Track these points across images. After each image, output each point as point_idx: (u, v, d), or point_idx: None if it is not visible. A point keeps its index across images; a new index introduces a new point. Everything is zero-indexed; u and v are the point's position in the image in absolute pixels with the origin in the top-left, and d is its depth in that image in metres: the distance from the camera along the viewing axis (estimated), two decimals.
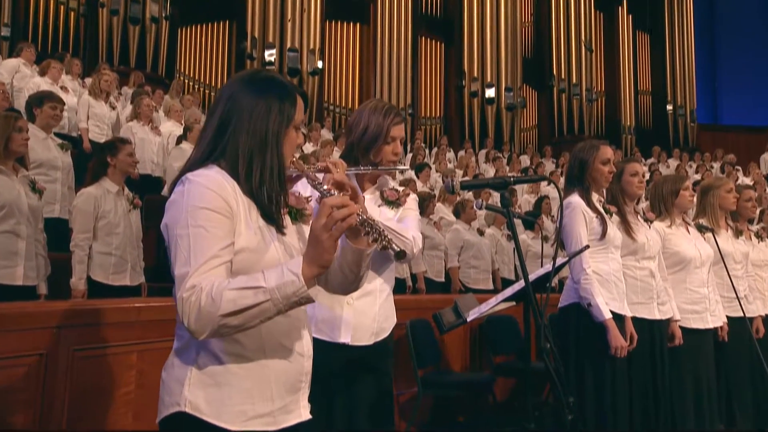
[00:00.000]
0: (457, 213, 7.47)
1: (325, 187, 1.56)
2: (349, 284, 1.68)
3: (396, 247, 1.43)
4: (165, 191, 6.85)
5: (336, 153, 9.68)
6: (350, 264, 1.62)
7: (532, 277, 2.28)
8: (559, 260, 2.37)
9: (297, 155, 1.70)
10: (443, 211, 8.01)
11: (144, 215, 5.90)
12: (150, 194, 6.82)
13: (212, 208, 1.47)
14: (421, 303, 5.15)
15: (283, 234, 1.62)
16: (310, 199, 1.77)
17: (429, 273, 7.05)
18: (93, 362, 2.80)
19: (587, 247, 2.99)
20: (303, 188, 2.03)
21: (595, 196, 3.42)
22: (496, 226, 7.99)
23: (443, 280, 7.18)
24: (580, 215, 3.29)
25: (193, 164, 1.59)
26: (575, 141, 16.82)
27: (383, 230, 1.45)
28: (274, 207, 1.59)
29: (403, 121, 2.53)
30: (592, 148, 3.43)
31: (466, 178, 9.92)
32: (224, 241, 1.47)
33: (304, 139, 9.98)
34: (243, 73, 1.68)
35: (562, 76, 18.31)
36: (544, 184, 10.23)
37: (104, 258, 4.20)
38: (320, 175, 1.78)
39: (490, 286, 7.36)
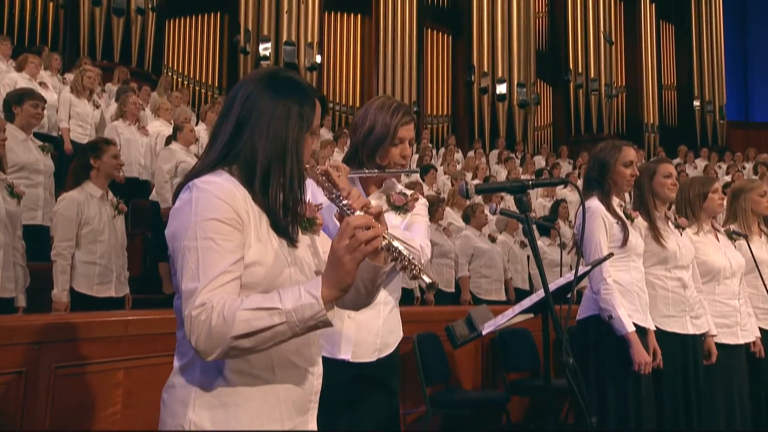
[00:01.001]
0: (466, 218, 7.47)
1: (345, 202, 1.56)
2: (362, 300, 1.69)
3: (427, 279, 1.42)
4: (153, 195, 6.86)
5: (337, 154, 9.69)
6: (366, 281, 1.62)
7: (552, 286, 2.28)
8: (581, 269, 2.37)
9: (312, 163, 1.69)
10: (451, 216, 8.01)
11: (129, 221, 5.92)
12: (136, 199, 6.85)
13: (222, 219, 1.48)
14: (430, 315, 5.15)
15: (295, 247, 1.62)
16: (320, 207, 1.77)
17: (438, 283, 7.02)
18: (76, 380, 2.79)
19: (611, 255, 2.98)
20: (310, 194, 2.03)
21: (615, 201, 3.42)
22: (508, 232, 7.98)
23: (453, 290, 7.18)
24: (600, 221, 3.28)
25: (202, 169, 1.59)
26: (593, 140, 16.92)
27: (412, 258, 1.44)
28: (289, 219, 1.60)
29: (412, 121, 2.52)
30: (614, 149, 3.42)
31: (479, 182, 9.93)
32: (235, 255, 1.48)
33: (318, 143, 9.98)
34: (260, 72, 1.68)
35: (580, 71, 18.33)
36: (560, 186, 10.21)
37: (88, 268, 4.19)
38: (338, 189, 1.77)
39: (503, 297, 7.35)
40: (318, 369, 1.66)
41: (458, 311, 5.83)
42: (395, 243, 1.46)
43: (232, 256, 1.47)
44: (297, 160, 1.59)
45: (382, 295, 2.45)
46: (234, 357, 1.46)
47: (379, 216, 1.58)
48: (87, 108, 7.44)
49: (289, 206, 1.59)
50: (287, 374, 1.57)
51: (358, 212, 1.55)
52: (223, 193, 1.50)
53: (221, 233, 1.47)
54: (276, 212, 1.57)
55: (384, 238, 1.44)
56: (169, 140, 7.04)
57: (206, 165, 1.59)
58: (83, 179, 4.28)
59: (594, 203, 3.34)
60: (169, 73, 13.24)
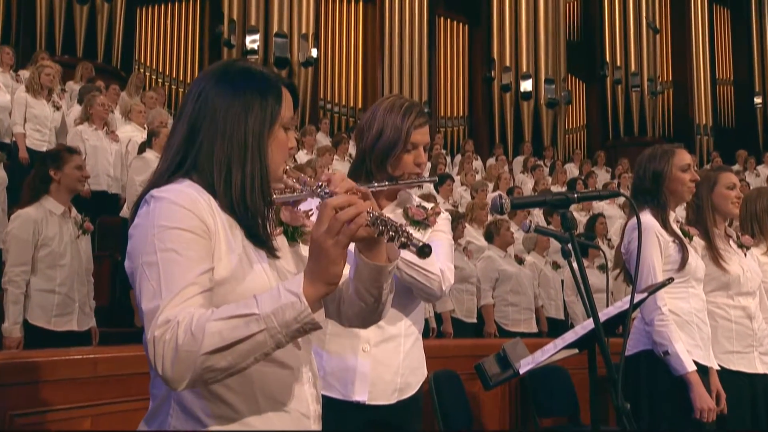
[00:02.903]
0: (489, 236, 7.44)
1: (328, 189, 1.55)
2: (369, 313, 1.68)
3: (417, 242, 1.41)
4: (124, 212, 6.84)
5: (336, 162, 9.70)
6: (367, 285, 1.60)
7: (602, 317, 2.23)
8: (637, 296, 2.33)
9: (291, 164, 1.70)
10: (471, 233, 7.99)
11: (96, 242, 5.90)
12: (104, 216, 6.83)
13: (184, 228, 1.49)
14: (448, 350, 5.14)
15: (276, 258, 1.63)
16: (310, 213, 1.78)
17: (457, 312, 7.01)
18: (36, 430, 2.77)
19: (671, 280, 2.94)
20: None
21: (672, 215, 3.38)
22: (537, 252, 7.95)
23: (475, 320, 7.15)
24: (654, 239, 3.25)
25: (158, 179, 1.61)
26: (635, 144, 16.93)
27: (400, 225, 1.44)
28: (260, 225, 1.60)
29: (427, 123, 2.51)
30: (666, 153, 3.40)
31: (502, 194, 9.91)
32: (202, 266, 1.48)
33: (297, 144, 9.98)
34: (215, 65, 1.71)
35: (618, 63, 18.37)
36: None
37: (46, 297, 4.18)
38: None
39: (533, 328, 7.32)
40: (315, 411, 1.65)
41: (481, 345, 5.79)
42: (380, 214, 1.45)
43: (198, 266, 1.48)
44: (260, 158, 1.61)
45: (403, 326, 2.45)
46: (211, 381, 1.43)
47: (365, 197, 1.58)
48: (45, 110, 7.46)
49: (257, 211, 1.60)
50: (276, 418, 1.56)
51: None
52: (183, 199, 1.52)
53: (184, 242, 1.48)
54: (247, 219, 1.58)
55: (369, 213, 1.43)
56: (142, 147, 7.04)
57: (163, 174, 1.62)
58: (41, 194, 4.27)
59: (645, 218, 3.30)
60: (142, 70, 13.32)
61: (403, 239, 1.42)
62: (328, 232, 1.41)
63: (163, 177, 1.60)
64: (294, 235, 1.74)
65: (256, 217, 1.59)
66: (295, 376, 1.60)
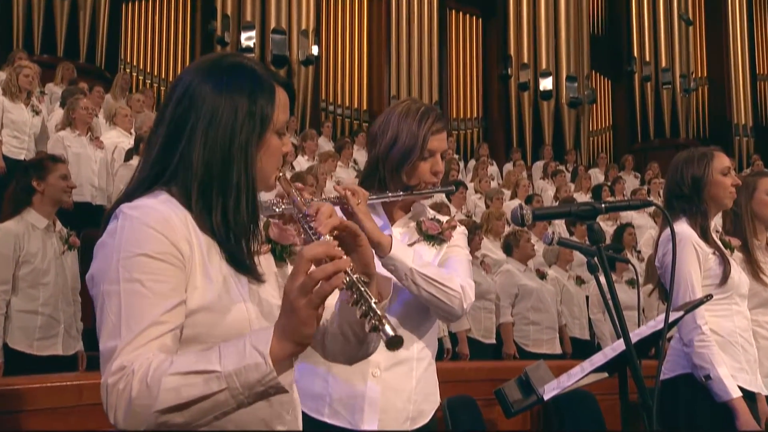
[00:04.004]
0: (508, 248, 7.43)
1: (313, 224, 1.53)
2: (352, 351, 1.68)
3: (390, 331, 1.37)
4: None
5: (340, 169, 9.71)
6: (353, 324, 1.60)
7: (634, 338, 2.23)
8: (671, 315, 2.33)
9: (288, 172, 1.68)
10: (487, 246, 7.97)
11: (80, 258, 5.90)
12: (88, 229, 6.83)
13: (153, 254, 1.46)
14: (464, 373, 5.14)
15: (260, 283, 1.61)
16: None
17: (474, 331, 6.99)
18: None
19: (710, 297, 2.94)
20: None
21: (712, 224, 3.38)
22: (559, 266, 7.93)
23: (494, 341, 7.13)
24: (692, 251, 3.25)
25: (134, 190, 1.58)
26: (666, 147, 16.91)
27: (375, 303, 1.40)
28: (243, 248, 1.58)
29: (445, 129, 2.53)
30: (704, 156, 3.40)
31: (520, 202, 9.90)
32: (170, 301, 1.46)
33: (295, 151, 10.01)
34: (202, 59, 1.68)
35: (647, 59, 18.37)
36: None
37: (27, 318, 4.18)
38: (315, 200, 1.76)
39: (557, 350, 7.29)
40: None
41: (500, 368, 5.77)
42: (358, 279, 1.42)
43: (165, 301, 1.45)
44: (246, 169, 1.57)
45: (416, 349, 2.45)
46: None
47: (356, 238, 1.55)
48: (24, 114, 7.48)
49: (242, 231, 1.57)
50: None
51: (324, 237, 1.50)
52: (155, 219, 1.48)
53: (151, 272, 1.45)
54: (227, 241, 1.56)
55: (346, 274, 1.40)
56: (129, 154, 7.07)
57: (139, 184, 1.59)
58: (23, 206, 4.29)
59: (681, 228, 3.29)
60: (128, 70, 13.36)
61: (374, 322, 1.38)
62: (301, 290, 1.37)
63: (139, 188, 1.58)
64: (282, 254, 1.73)
65: (239, 240, 1.57)
66: (277, 409, 1.59)
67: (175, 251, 1.48)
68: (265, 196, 1.78)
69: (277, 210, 1.70)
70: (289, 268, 1.72)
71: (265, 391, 1.40)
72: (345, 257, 1.43)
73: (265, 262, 1.68)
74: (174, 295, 1.46)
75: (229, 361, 1.38)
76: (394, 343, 1.37)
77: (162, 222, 1.48)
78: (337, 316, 1.62)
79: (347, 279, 1.40)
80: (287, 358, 1.41)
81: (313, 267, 1.39)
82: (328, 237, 1.50)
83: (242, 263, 1.57)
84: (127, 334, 1.40)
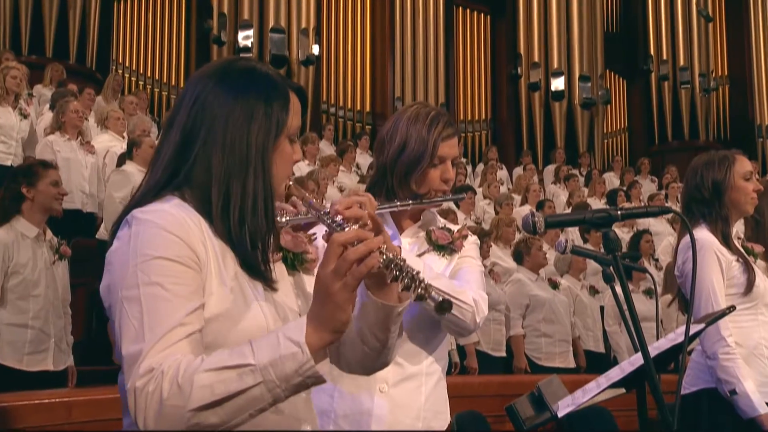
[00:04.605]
0: (518, 257, 7.42)
1: (339, 218, 1.56)
2: (372, 359, 1.68)
3: (437, 296, 1.41)
4: (101, 233, 6.85)
5: (342, 174, 9.71)
6: (374, 327, 1.61)
7: (653, 351, 2.23)
8: (694, 326, 2.32)
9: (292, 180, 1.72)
10: (497, 254, 7.97)
11: (70, 268, 5.91)
12: (79, 238, 6.84)
13: (172, 257, 1.48)
14: (473, 388, 5.15)
15: (274, 290, 1.63)
16: (314, 237, 1.79)
17: (483, 344, 6.99)
18: None
19: (733, 308, 2.93)
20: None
21: (733, 230, 3.38)
22: (572, 275, 7.92)
23: (504, 354, 7.13)
24: (713, 258, 3.25)
25: (144, 195, 1.61)
26: (685, 150, 16.87)
27: (417, 273, 1.44)
28: (260, 254, 1.60)
29: (456, 134, 2.54)
30: (725, 159, 3.40)
31: (532, 208, 9.90)
32: (191, 303, 1.48)
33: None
34: (213, 64, 1.72)
35: (664, 57, 18.33)
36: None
37: (17, 332, 4.19)
38: (328, 205, 1.79)
39: (570, 363, 7.29)
40: None
41: (511, 382, 5.76)
42: (395, 256, 1.45)
43: (187, 303, 1.47)
44: (264, 174, 1.61)
45: (425, 364, 2.45)
46: None
47: (378, 229, 1.59)
48: (11, 118, 7.49)
49: (257, 237, 1.59)
50: None
51: (351, 227, 1.53)
52: (171, 222, 1.51)
53: (171, 275, 1.47)
54: (243, 246, 1.58)
55: (382, 253, 1.43)
56: (122, 159, 7.07)
57: (150, 189, 1.61)
58: (12, 214, 4.30)
59: (702, 234, 3.29)
60: (120, 71, 13.35)
61: (420, 291, 1.42)
62: (336, 274, 1.41)
63: (149, 193, 1.61)
64: (294, 262, 1.75)
65: (255, 243, 1.59)
66: (290, 423, 1.60)
67: (192, 254, 1.51)
68: None
69: (282, 220, 1.71)
70: (302, 277, 1.76)
71: (302, 381, 1.41)
72: (377, 236, 1.46)
73: (278, 270, 1.70)
74: (194, 297, 1.49)
75: (263, 354, 1.40)
76: (444, 308, 1.41)
77: (177, 225, 1.51)
78: (355, 322, 1.62)
79: (383, 257, 1.43)
80: (323, 348, 1.44)
81: (346, 250, 1.42)
82: (355, 227, 1.53)
83: (257, 268, 1.60)
84: (152, 337, 1.42)
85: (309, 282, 1.73)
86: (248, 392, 1.38)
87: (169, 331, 1.43)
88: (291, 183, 1.70)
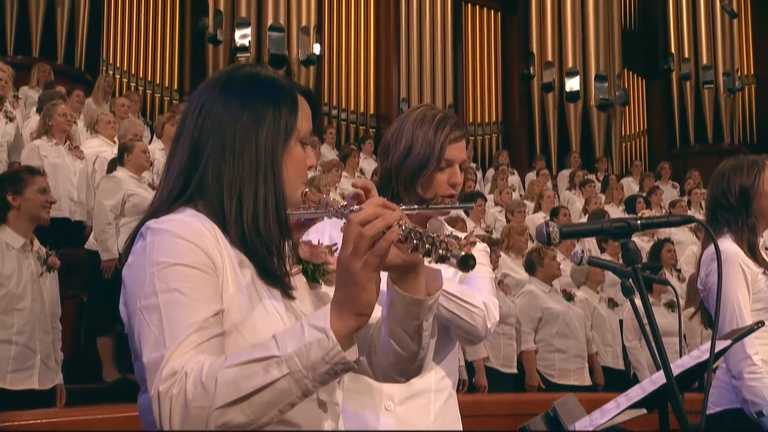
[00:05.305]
0: (530, 267, 7.42)
1: (355, 207, 1.58)
2: (407, 362, 1.68)
3: (458, 252, 1.42)
4: (90, 243, 6.85)
5: (345, 180, 9.71)
6: (404, 324, 1.60)
7: (676, 369, 2.22)
8: (719, 343, 2.31)
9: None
10: (508, 264, 7.96)
11: (61, 280, 5.92)
12: (66, 248, 6.84)
13: (189, 264, 1.52)
14: (483, 406, 5.20)
15: (291, 298, 1.66)
16: (334, 249, 1.79)
17: (492, 360, 6.98)
18: None
19: (762, 323, 2.92)
20: (318, 236, 2.04)
21: (760, 241, 3.36)
22: (589, 287, 7.91)
23: (515, 370, 7.12)
24: (738, 271, 3.24)
25: (158, 209, 1.65)
26: (708, 154, 16.84)
27: (437, 235, 1.46)
28: (276, 260, 1.63)
29: (464, 137, 2.56)
30: (754, 164, 3.40)
31: (546, 216, 9.89)
32: (211, 307, 1.51)
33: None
34: (216, 73, 1.77)
35: (686, 55, 18.35)
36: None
37: (0, 348, 4.16)
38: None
39: (586, 381, 7.29)
40: None
41: (523, 401, 5.76)
42: (413, 226, 1.47)
43: (207, 307, 1.50)
44: (275, 178, 1.65)
45: (434, 379, 2.45)
46: None
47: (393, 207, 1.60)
48: None
49: (273, 242, 1.63)
50: None
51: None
52: (186, 231, 1.55)
53: (189, 281, 1.51)
54: (259, 252, 1.62)
55: (400, 226, 1.45)
56: (112, 165, 7.07)
57: (162, 204, 1.67)
58: None
59: (726, 245, 3.29)
60: (110, 72, 13.36)
61: (441, 251, 1.43)
62: (355, 253, 1.43)
63: (163, 206, 1.65)
64: (315, 274, 1.77)
65: (270, 248, 1.63)
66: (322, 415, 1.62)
67: (209, 261, 1.54)
68: None
69: (303, 212, 1.72)
70: (323, 288, 1.79)
71: (330, 369, 1.42)
72: (395, 211, 1.48)
73: (297, 283, 1.72)
74: (213, 302, 1.52)
75: (288, 345, 1.42)
76: (467, 263, 1.43)
77: (192, 233, 1.55)
78: (385, 324, 1.63)
79: (403, 229, 1.45)
80: (349, 334, 1.45)
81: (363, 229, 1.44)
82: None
83: (274, 275, 1.64)
84: (173, 342, 1.44)
85: (328, 294, 1.74)
86: (275, 385, 1.40)
87: (190, 334, 1.46)
88: (307, 190, 1.72)
